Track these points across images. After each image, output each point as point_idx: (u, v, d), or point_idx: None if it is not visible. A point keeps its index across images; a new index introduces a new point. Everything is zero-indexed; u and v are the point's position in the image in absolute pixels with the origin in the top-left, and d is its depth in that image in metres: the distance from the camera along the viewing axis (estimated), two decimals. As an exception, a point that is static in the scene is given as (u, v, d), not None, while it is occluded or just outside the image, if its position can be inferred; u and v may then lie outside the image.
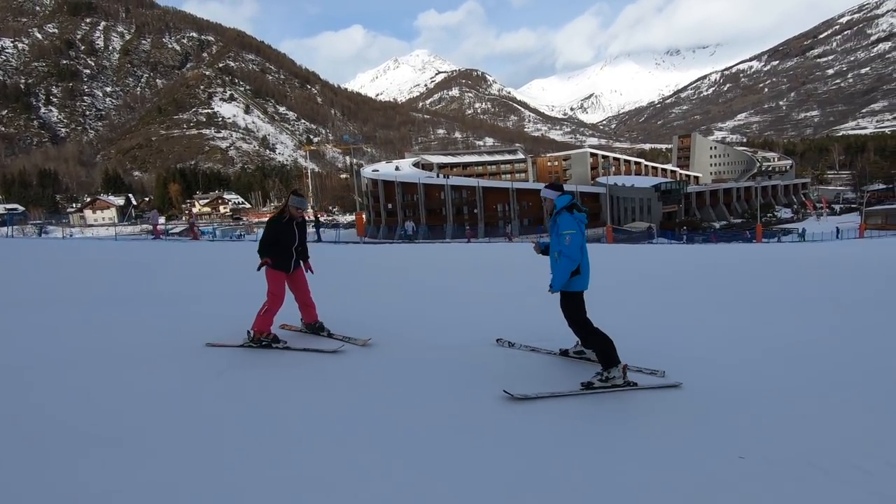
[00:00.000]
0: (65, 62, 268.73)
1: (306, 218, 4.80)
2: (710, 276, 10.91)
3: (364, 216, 39.98)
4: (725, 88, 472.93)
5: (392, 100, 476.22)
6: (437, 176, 67.26)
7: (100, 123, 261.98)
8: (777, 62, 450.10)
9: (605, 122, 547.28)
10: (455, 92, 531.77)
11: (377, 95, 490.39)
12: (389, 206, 63.20)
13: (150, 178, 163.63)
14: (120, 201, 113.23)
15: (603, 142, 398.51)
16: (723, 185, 76.92)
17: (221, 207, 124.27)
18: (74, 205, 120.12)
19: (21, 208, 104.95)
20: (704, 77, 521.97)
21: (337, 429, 2.83)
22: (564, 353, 4.18)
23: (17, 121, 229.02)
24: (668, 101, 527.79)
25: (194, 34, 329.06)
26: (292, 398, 3.27)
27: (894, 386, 3.65)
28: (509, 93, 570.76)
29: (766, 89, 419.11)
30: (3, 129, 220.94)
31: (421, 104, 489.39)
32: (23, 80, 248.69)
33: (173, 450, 2.55)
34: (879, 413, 3.13)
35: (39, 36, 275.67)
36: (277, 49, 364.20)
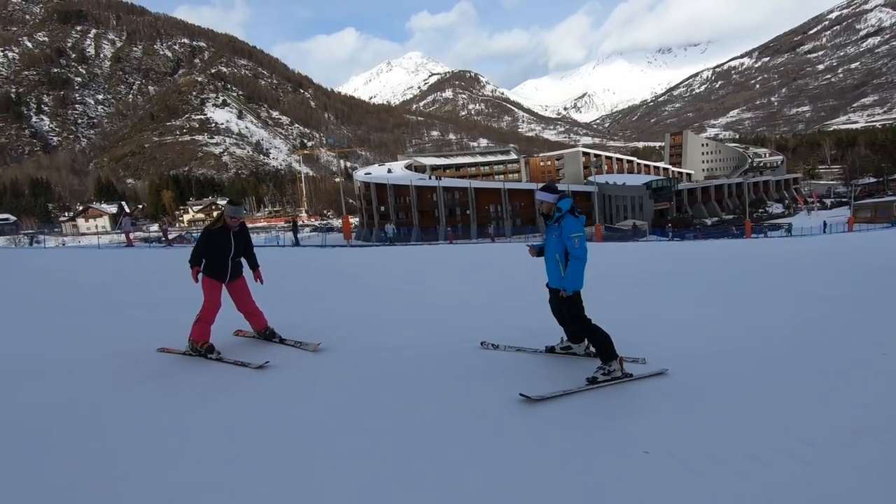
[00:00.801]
0: (56, 70, 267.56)
1: (245, 224, 4.57)
2: (682, 271, 10.97)
3: (350, 220, 40.02)
4: (717, 85, 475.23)
5: (386, 102, 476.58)
6: (430, 178, 67.31)
7: (92, 131, 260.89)
8: (768, 58, 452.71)
9: (598, 121, 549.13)
10: (448, 93, 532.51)
11: (371, 98, 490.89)
12: (382, 208, 63.23)
13: (144, 185, 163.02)
14: (113, 209, 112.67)
15: (597, 141, 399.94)
16: (714, 182, 77.26)
17: (215, 213, 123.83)
18: (67, 213, 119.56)
19: (13, 218, 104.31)
20: (696, 74, 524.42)
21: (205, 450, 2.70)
22: (551, 350, 4.26)
23: (8, 130, 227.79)
24: (661, 99, 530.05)
25: (186, 40, 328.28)
26: (177, 413, 3.18)
27: (820, 372, 3.75)
28: (503, 93, 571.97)
29: (758, 85, 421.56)
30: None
31: (415, 106, 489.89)
32: (13, 90, 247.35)
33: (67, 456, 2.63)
34: (804, 400, 3.22)
35: (30, 45, 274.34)
36: (270, 53, 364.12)
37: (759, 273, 10.28)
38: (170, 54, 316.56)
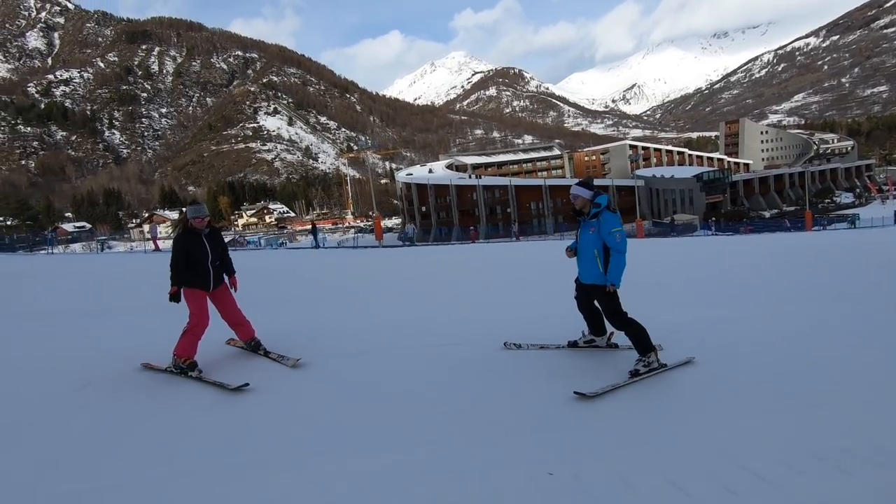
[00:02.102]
0: (124, 87, 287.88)
1: (215, 226, 4.29)
2: (702, 266, 10.35)
3: (382, 221, 40.57)
4: (780, 69, 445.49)
5: (429, 103, 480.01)
6: (470, 177, 67.23)
7: (157, 143, 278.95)
8: (837, 37, 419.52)
9: (648, 113, 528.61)
10: (492, 91, 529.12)
11: (415, 100, 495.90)
12: (423, 208, 63.76)
13: (203, 192, 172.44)
14: (174, 215, 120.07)
15: (647, 133, 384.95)
16: (773, 172, 72.58)
17: (267, 217, 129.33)
18: (135, 220, 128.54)
19: (88, 226, 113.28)
20: (756, 58, 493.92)
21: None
22: (574, 344, 4.31)
23: (84, 144, 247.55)
24: (717, 86, 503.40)
25: (239, 52, 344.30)
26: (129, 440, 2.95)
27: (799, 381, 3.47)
28: (547, 89, 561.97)
29: (826, 66, 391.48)
30: (73, 152, 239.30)
31: (458, 106, 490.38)
32: (89, 107, 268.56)
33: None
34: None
35: (102, 65, 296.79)
36: (317, 61, 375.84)
37: (786, 271, 9.54)
38: (225, 67, 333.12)
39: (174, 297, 3.90)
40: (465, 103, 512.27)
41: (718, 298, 6.80)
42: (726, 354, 4.10)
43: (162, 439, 2.94)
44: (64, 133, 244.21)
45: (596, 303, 3.94)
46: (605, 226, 3.67)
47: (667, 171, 66.14)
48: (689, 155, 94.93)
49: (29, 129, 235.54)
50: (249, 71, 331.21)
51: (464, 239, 49.62)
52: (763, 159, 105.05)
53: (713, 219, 42.59)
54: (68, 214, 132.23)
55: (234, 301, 4.28)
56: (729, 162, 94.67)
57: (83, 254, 38.04)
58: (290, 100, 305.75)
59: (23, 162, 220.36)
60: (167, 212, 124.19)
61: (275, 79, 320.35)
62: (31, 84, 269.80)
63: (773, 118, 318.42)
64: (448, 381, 3.80)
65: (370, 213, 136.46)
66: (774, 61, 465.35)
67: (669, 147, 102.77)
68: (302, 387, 3.76)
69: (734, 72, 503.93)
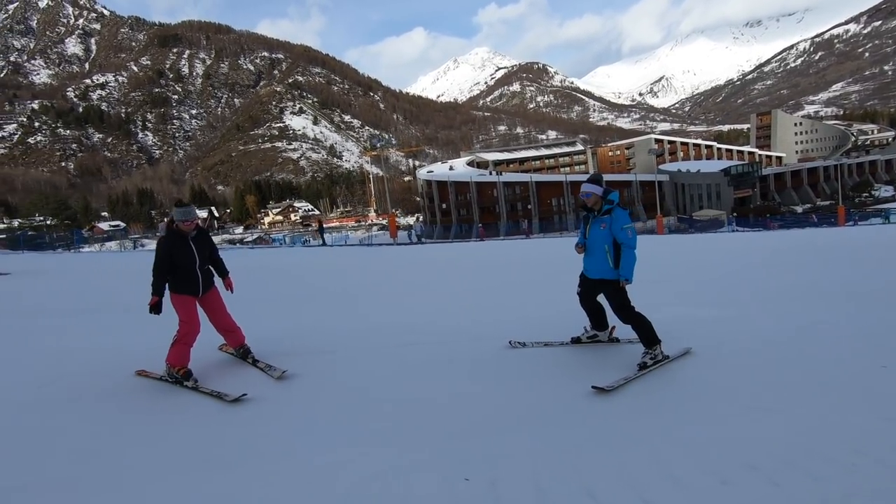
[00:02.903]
0: (157, 90, 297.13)
1: (203, 227, 4.11)
2: (708, 266, 10.03)
3: (395, 219, 40.74)
4: (817, 57, 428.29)
5: (453, 100, 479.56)
6: (490, 173, 66.93)
7: (187, 143, 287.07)
8: (879, 22, 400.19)
9: (677, 106, 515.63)
10: (516, 87, 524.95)
11: (438, 97, 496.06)
12: (444, 206, 63.79)
13: (231, 190, 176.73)
14: (204, 214, 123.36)
15: (675, 126, 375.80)
16: (807, 165, 69.84)
17: (292, 215, 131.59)
18: (166, 219, 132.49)
19: (123, 224, 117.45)
20: (791, 47, 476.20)
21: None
22: (577, 340, 4.37)
23: (119, 146, 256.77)
24: (749, 77, 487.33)
25: (266, 53, 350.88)
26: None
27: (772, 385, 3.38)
28: (572, 83, 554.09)
29: (867, 54, 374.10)
30: (109, 154, 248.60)
31: (482, 102, 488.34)
32: (123, 110, 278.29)
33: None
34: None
35: (135, 69, 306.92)
36: (342, 60, 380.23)
37: (796, 268, 9.17)
38: (252, 68, 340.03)
39: (154, 309, 3.65)
40: (488, 99, 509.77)
41: (713, 297, 6.59)
42: (705, 356, 3.98)
43: (162, 451, 2.84)
44: (100, 135, 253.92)
45: (603, 297, 3.99)
46: (617, 222, 3.75)
47: (693, 165, 64.47)
48: (718, 148, 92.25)
49: (68, 131, 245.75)
50: (275, 71, 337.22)
51: (489, 236, 49.54)
52: (797, 152, 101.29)
53: (734, 214, 41.26)
54: (104, 214, 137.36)
55: (223, 306, 4.11)
56: (760, 155, 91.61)
57: (113, 252, 39.54)
58: (315, 99, 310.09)
59: (63, 163, 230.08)
60: (198, 211, 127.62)
61: (300, 78, 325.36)
62: (71, 89, 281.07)
63: (810, 109, 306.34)
64: (456, 381, 3.77)
65: (394, 210, 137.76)
66: (811, 49, 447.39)
67: (697, 141, 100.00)
68: (298, 395, 3.63)
69: (768, 61, 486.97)
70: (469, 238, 45.69)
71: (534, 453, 2.59)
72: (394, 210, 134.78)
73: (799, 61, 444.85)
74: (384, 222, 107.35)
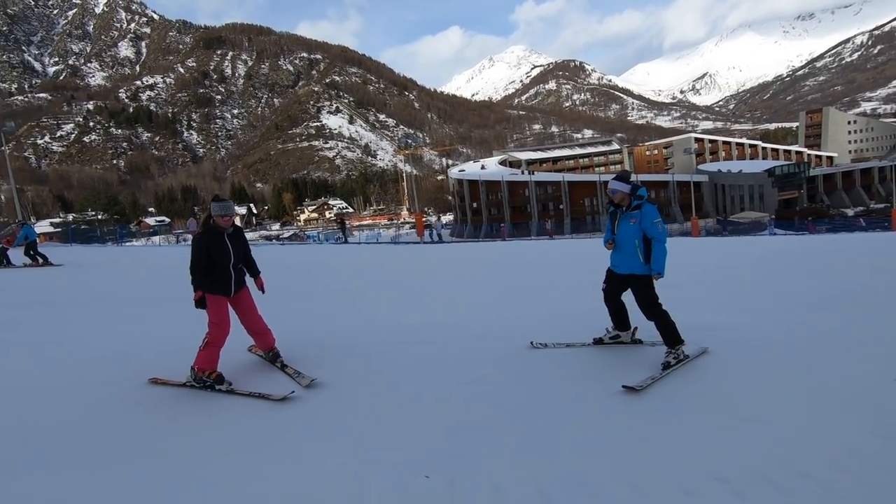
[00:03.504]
0: (201, 91, 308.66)
1: (238, 225, 4.09)
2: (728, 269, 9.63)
3: (423, 217, 40.79)
4: (876, 51, 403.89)
5: (487, 99, 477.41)
6: (522, 172, 66.35)
7: (229, 142, 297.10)
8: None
9: (721, 103, 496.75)
10: (552, 85, 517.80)
11: (473, 96, 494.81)
12: (474, 205, 63.66)
13: (269, 188, 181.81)
14: (243, 210, 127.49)
15: (719, 125, 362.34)
16: (860, 165, 66.06)
17: (327, 213, 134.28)
18: (192, 217, 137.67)
19: (167, 220, 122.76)
20: (847, 41, 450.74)
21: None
22: (599, 341, 4.40)
23: (166, 145, 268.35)
24: (800, 72, 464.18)
25: (305, 54, 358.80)
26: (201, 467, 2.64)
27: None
28: (610, 81, 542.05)
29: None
30: (156, 152, 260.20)
31: (516, 100, 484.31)
32: (170, 110, 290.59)
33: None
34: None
35: (182, 70, 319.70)
36: (378, 60, 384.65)
37: (824, 274, 8.70)
38: (291, 68, 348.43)
39: (200, 303, 3.56)
40: (523, 98, 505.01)
41: (731, 302, 6.34)
42: (702, 365, 3.87)
43: (206, 464, 2.66)
44: (149, 134, 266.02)
45: (626, 297, 4.02)
46: (646, 217, 3.79)
47: (735, 165, 61.97)
48: (763, 148, 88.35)
49: (120, 131, 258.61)
50: (314, 72, 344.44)
51: (517, 235, 49.12)
52: (850, 152, 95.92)
53: (771, 217, 39.42)
54: (151, 209, 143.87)
55: (255, 307, 3.96)
56: (809, 155, 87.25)
57: (155, 246, 41.40)
58: (351, 98, 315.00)
59: (114, 161, 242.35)
60: (237, 208, 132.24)
61: (337, 78, 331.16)
62: (122, 90, 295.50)
63: (867, 106, 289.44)
64: (478, 381, 3.77)
65: (426, 209, 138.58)
66: (869, 43, 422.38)
67: (740, 140, 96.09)
68: (324, 400, 3.51)
69: (821, 56, 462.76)
70: (497, 238, 45.48)
71: (541, 454, 2.59)
72: (426, 209, 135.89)
73: (855, 56, 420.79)
74: (444, 220, 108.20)
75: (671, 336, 3.81)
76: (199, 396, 3.55)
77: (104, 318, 6.51)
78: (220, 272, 3.65)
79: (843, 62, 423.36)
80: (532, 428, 2.92)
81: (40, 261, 13.55)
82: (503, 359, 4.21)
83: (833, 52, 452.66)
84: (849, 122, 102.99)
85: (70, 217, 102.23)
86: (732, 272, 9.59)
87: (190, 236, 25.98)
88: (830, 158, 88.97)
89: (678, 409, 3.09)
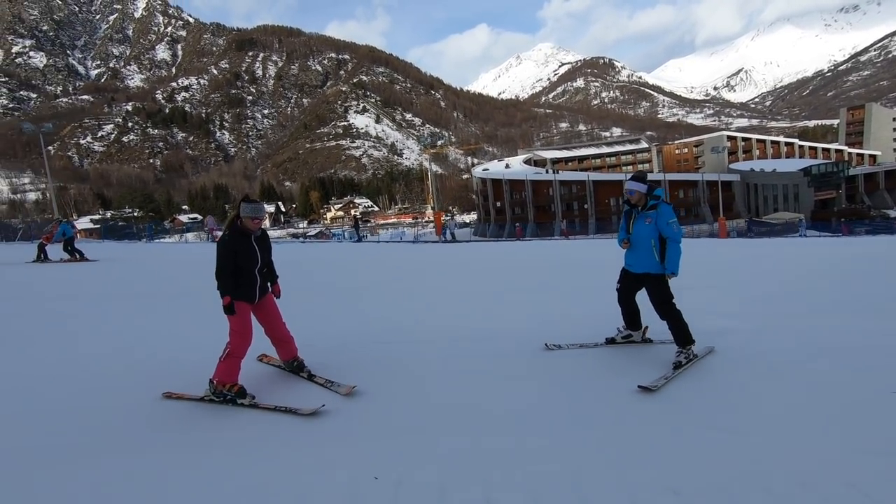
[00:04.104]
0: (233, 91, 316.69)
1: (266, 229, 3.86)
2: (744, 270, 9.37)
3: (443, 216, 40.82)
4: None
5: (514, 97, 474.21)
6: (547, 171, 65.75)
7: (259, 142, 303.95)
8: None
9: (757, 100, 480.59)
10: (580, 83, 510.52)
11: (499, 94, 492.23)
12: (498, 204, 63.46)
13: (297, 187, 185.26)
14: (271, 208, 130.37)
15: (754, 122, 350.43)
16: (905, 164, 63.05)
17: (353, 211, 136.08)
18: (208, 218, 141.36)
19: (200, 217, 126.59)
20: (894, 33, 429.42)
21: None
22: (611, 341, 4.46)
23: (199, 144, 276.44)
24: (843, 67, 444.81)
25: (333, 55, 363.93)
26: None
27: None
28: (640, 77, 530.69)
29: None
30: (190, 151, 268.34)
31: (543, 99, 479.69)
32: (204, 110, 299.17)
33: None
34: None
35: (215, 72, 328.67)
36: (404, 59, 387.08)
37: (849, 280, 8.39)
38: (319, 69, 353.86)
39: (230, 309, 3.31)
40: (550, 96, 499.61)
41: (742, 307, 6.21)
42: (695, 373, 3.83)
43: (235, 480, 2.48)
44: (183, 134, 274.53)
45: (646, 291, 4.05)
46: (662, 217, 3.86)
47: (769, 164, 59.96)
48: (800, 146, 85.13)
49: (156, 131, 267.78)
50: (341, 72, 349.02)
51: (540, 235, 48.76)
52: (895, 150, 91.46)
53: (800, 218, 37.95)
54: (185, 207, 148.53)
55: (279, 314, 3.74)
56: (850, 153, 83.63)
57: (186, 243, 42.76)
58: (378, 98, 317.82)
59: (151, 160, 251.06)
60: (266, 205, 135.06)
61: (364, 78, 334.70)
62: (159, 91, 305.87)
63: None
64: (496, 382, 3.77)
65: (450, 207, 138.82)
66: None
67: (776, 138, 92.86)
68: (355, 408, 3.33)
69: (865, 50, 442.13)
70: (516, 237, 45.27)
71: (572, 455, 2.62)
72: (449, 207, 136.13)
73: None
74: (458, 219, 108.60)
75: (682, 335, 3.86)
76: (220, 412, 3.27)
77: (118, 314, 6.84)
78: (246, 277, 3.44)
79: (890, 56, 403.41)
80: (560, 429, 2.94)
81: (77, 256, 14.27)
82: (524, 360, 4.23)
83: (879, 45, 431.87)
84: (893, 119, 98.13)
85: (108, 214, 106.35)
86: (750, 275, 9.35)
87: (215, 233, 26.30)
88: (873, 157, 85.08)
89: (688, 409, 3.12)
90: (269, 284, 3.69)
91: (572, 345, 4.48)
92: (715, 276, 9.09)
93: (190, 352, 4.48)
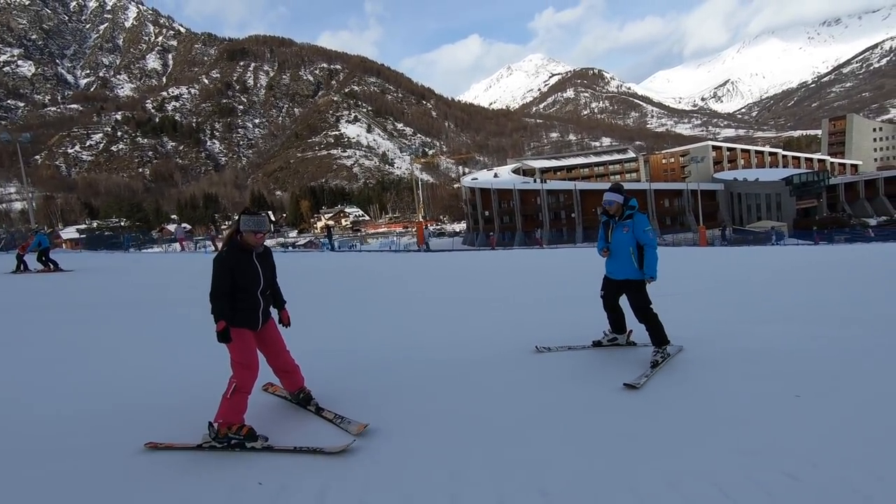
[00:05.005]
0: (224, 101, 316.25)
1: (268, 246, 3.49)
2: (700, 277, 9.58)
3: (424, 225, 41.11)
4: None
5: (505, 107, 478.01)
6: (534, 181, 66.26)
7: (250, 151, 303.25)
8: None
9: (743, 111, 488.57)
10: (570, 93, 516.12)
11: (490, 104, 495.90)
12: (486, 213, 63.80)
13: (287, 196, 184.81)
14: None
15: (741, 132, 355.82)
16: (884, 174, 64.30)
17: (343, 220, 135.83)
18: (227, 222, 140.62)
19: (188, 227, 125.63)
20: (875, 46, 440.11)
21: None
22: (598, 343, 4.69)
23: (189, 153, 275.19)
24: (826, 79, 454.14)
25: (325, 64, 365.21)
26: None
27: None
28: (629, 88, 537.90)
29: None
30: (180, 161, 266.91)
31: (534, 109, 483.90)
32: (194, 120, 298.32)
33: None
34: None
35: (206, 81, 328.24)
36: (396, 69, 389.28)
37: (806, 285, 8.62)
38: (311, 78, 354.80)
39: (224, 336, 2.89)
40: (541, 106, 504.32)
41: (692, 314, 6.38)
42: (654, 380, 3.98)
43: None
44: (173, 143, 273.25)
45: (626, 297, 4.26)
46: (638, 225, 4.10)
47: (752, 173, 60.98)
48: (784, 156, 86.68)
49: (146, 140, 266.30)
50: (333, 81, 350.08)
51: (529, 244, 49.02)
52: (876, 160, 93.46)
53: (772, 228, 38.63)
54: (174, 216, 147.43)
55: (283, 342, 3.33)
56: (832, 163, 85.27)
57: (169, 253, 42.50)
58: (369, 108, 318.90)
59: (140, 169, 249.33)
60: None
61: (356, 88, 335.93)
62: (149, 101, 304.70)
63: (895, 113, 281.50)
64: (490, 385, 3.92)
65: (441, 217, 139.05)
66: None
67: (760, 148, 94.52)
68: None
69: (848, 62, 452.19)
70: (511, 246, 45.53)
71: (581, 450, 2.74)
72: (440, 216, 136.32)
73: (884, 61, 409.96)
74: (431, 228, 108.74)
75: (659, 337, 4.13)
76: (224, 462, 2.71)
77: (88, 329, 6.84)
78: (247, 299, 3.02)
79: (871, 68, 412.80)
80: (570, 425, 3.08)
81: (51, 267, 14.21)
82: (514, 365, 4.38)
83: (860, 57, 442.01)
84: (874, 130, 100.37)
85: (94, 224, 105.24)
86: (713, 282, 9.56)
87: (176, 245, 25.49)
88: (855, 166, 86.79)
89: (667, 405, 3.33)
90: (270, 309, 3.29)
91: (561, 347, 4.72)
92: (678, 284, 9.28)
93: (167, 394, 3.80)
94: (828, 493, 2.18)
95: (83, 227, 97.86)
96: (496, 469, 2.56)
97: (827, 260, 12.87)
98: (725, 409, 3.19)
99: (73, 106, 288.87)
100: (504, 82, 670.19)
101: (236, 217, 3.09)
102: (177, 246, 27.63)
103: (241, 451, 2.78)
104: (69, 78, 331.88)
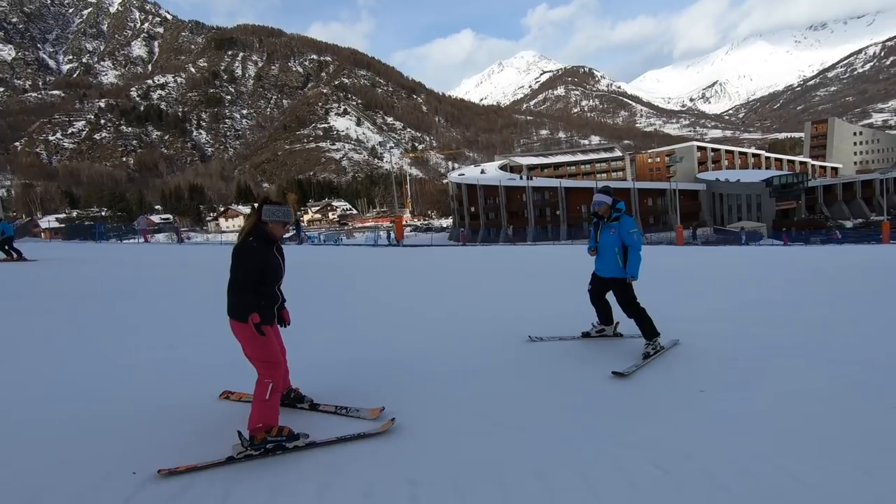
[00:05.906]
0: (211, 91, 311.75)
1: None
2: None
3: (405, 220, 41.25)
4: (888, 62, 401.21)
5: (495, 103, 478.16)
6: (521, 178, 66.39)
7: (237, 142, 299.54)
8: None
9: (731, 112, 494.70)
10: (560, 91, 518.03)
11: (481, 100, 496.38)
12: (472, 209, 63.84)
13: (274, 188, 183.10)
14: (247, 210, 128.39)
15: (728, 133, 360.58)
16: (862, 177, 65.62)
17: (330, 214, 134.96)
18: (212, 214, 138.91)
19: (171, 217, 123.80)
20: (860, 51, 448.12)
21: None
22: (587, 335, 4.91)
23: (175, 143, 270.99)
24: (811, 82, 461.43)
25: (314, 56, 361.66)
26: None
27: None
28: (619, 87, 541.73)
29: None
30: (165, 150, 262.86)
31: (525, 106, 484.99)
32: (180, 109, 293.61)
33: None
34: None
35: (193, 70, 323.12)
36: (387, 63, 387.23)
37: (758, 286, 8.78)
38: (301, 70, 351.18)
39: (260, 330, 2.73)
40: (531, 103, 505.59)
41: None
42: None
43: None
44: (159, 133, 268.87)
45: (613, 294, 4.48)
46: (624, 227, 4.29)
47: (734, 174, 61.75)
48: (767, 158, 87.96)
49: (130, 129, 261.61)
50: (323, 73, 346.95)
51: (510, 241, 49.17)
52: (855, 163, 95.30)
53: (742, 228, 39.25)
54: (157, 207, 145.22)
55: (282, 340, 3.13)
56: (813, 165, 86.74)
57: (147, 244, 41.85)
58: (359, 101, 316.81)
59: (124, 159, 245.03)
60: (240, 207, 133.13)
61: (346, 81, 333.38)
62: (134, 89, 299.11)
63: (878, 117, 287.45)
64: (484, 372, 4.09)
65: (429, 211, 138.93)
66: (882, 54, 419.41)
67: (744, 149, 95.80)
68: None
69: (832, 66, 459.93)
70: (496, 242, 45.69)
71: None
72: (428, 211, 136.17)
73: (867, 66, 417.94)
74: (419, 223, 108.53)
75: (649, 330, 4.29)
76: (263, 468, 2.53)
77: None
78: (268, 293, 2.85)
79: (855, 73, 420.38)
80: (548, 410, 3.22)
81: (14, 256, 13.93)
82: (507, 352, 4.59)
83: (845, 62, 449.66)
84: (854, 134, 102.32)
85: (74, 213, 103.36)
86: (670, 283, 9.70)
87: (147, 235, 24.81)
88: (835, 169, 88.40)
89: (657, 392, 3.49)
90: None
91: (552, 337, 4.94)
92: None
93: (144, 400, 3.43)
94: (684, 487, 2.29)
95: (62, 216, 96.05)
96: (493, 454, 2.63)
97: (789, 261, 13.09)
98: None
99: (54, 92, 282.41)
100: (495, 78, 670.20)
101: (255, 207, 2.89)
102: (160, 237, 27.39)
103: (284, 454, 2.64)
104: (51, 63, 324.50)
